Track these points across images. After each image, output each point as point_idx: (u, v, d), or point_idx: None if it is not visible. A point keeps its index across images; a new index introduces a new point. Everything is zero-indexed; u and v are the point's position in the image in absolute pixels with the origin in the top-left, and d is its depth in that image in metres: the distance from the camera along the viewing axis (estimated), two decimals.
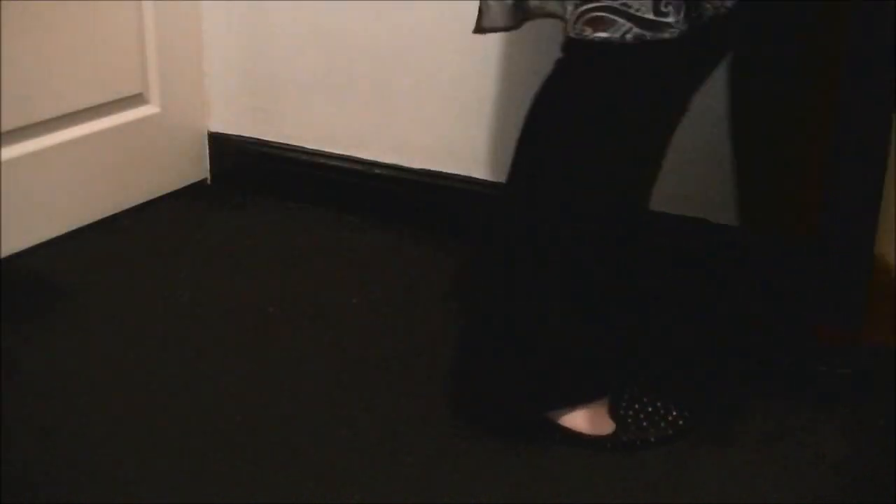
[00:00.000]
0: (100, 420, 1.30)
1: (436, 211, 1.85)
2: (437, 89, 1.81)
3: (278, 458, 1.23)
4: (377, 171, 1.90)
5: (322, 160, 1.94)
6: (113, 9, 1.79)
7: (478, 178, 1.82)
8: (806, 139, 1.52)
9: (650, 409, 1.29)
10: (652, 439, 1.27)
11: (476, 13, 1.26)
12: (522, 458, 1.25)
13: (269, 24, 1.91)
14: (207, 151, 2.04)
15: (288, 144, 1.97)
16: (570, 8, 1.11)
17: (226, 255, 1.76)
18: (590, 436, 1.25)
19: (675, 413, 1.29)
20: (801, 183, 1.54)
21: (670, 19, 1.07)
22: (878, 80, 1.31)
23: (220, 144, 2.03)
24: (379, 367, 1.43)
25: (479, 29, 1.26)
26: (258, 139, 2.00)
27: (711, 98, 1.61)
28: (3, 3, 1.60)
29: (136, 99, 1.88)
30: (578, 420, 1.26)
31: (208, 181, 2.05)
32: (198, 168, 2.03)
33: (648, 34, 1.08)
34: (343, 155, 1.93)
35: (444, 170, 1.85)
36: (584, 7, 1.09)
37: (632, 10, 1.07)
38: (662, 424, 1.28)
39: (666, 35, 1.07)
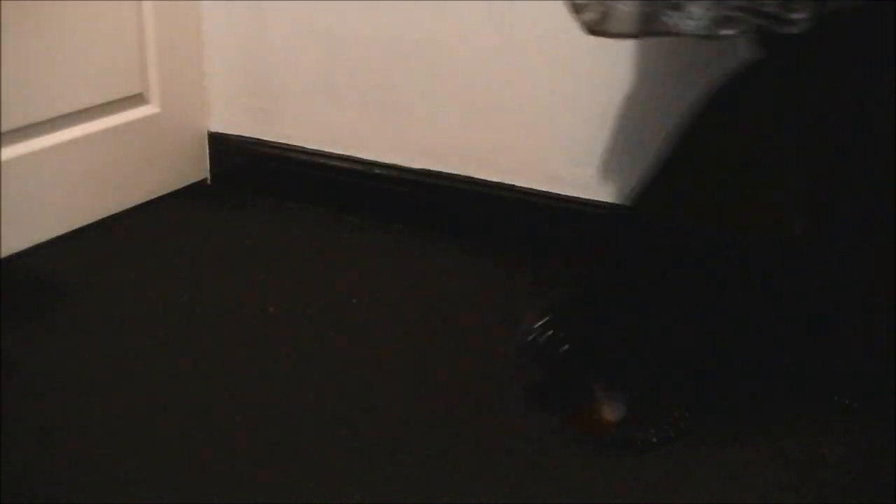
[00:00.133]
0: (100, 420, 1.30)
1: (436, 211, 1.86)
2: (438, 89, 1.81)
3: (278, 458, 1.23)
4: (377, 171, 1.90)
5: (322, 160, 1.94)
6: (113, 9, 1.79)
7: (478, 178, 1.82)
8: None
9: (652, 409, 1.29)
10: (654, 440, 1.27)
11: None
12: (522, 458, 1.25)
13: (269, 25, 1.91)
14: (207, 151, 2.04)
15: (288, 144, 1.97)
16: None
17: (226, 255, 1.76)
18: (601, 426, 1.24)
19: (676, 413, 1.29)
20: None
21: None
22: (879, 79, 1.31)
23: (220, 144, 2.03)
24: (379, 367, 1.43)
25: (602, 32, 1.18)
26: (258, 139, 2.00)
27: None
28: (2, 3, 1.60)
29: (136, 99, 1.88)
30: (606, 409, 1.25)
31: (208, 181, 2.05)
32: (198, 168, 2.03)
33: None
34: (343, 155, 1.93)
35: (444, 170, 1.85)
36: None
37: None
38: (664, 425, 1.28)
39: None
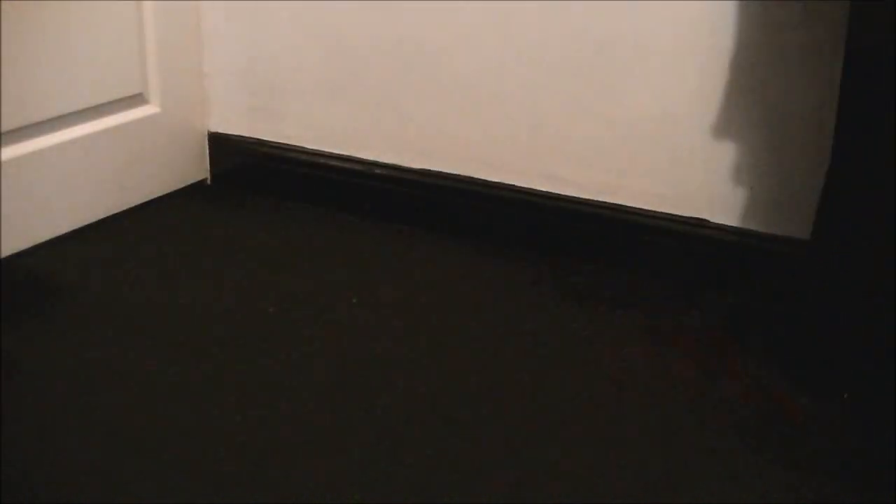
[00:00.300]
0: (100, 420, 1.30)
1: (436, 211, 1.86)
2: (438, 89, 1.81)
3: (278, 458, 1.23)
4: (377, 171, 1.90)
5: (322, 160, 1.94)
6: (113, 9, 1.79)
7: (478, 178, 1.82)
8: None
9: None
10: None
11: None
12: (522, 458, 1.25)
13: (269, 25, 1.91)
14: (207, 151, 2.04)
15: (288, 144, 1.97)
16: None
17: (226, 255, 1.76)
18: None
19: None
20: None
21: None
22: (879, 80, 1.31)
23: (220, 144, 2.03)
24: (379, 367, 1.43)
25: None
26: (258, 139, 2.00)
27: (709, 99, 1.61)
28: (2, 3, 1.60)
29: (136, 99, 1.88)
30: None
31: (208, 181, 2.05)
32: (198, 168, 2.03)
33: None
34: (343, 155, 1.93)
35: (444, 170, 1.85)
36: None
37: None
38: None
39: None
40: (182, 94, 1.96)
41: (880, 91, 1.31)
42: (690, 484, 1.21)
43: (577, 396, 1.37)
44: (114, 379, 1.39)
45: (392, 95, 1.85)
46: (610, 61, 1.65)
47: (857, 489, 1.22)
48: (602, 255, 1.74)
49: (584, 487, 1.20)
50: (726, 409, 1.35)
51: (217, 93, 2.00)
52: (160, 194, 1.96)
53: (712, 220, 1.66)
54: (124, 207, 1.89)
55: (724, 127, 1.61)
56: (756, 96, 1.58)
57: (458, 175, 1.84)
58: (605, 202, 1.73)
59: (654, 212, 1.70)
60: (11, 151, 1.67)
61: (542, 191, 1.77)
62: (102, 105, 1.82)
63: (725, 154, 1.62)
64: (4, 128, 1.65)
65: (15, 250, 1.70)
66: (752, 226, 1.64)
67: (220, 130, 2.03)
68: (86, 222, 1.82)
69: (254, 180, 2.01)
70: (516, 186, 1.79)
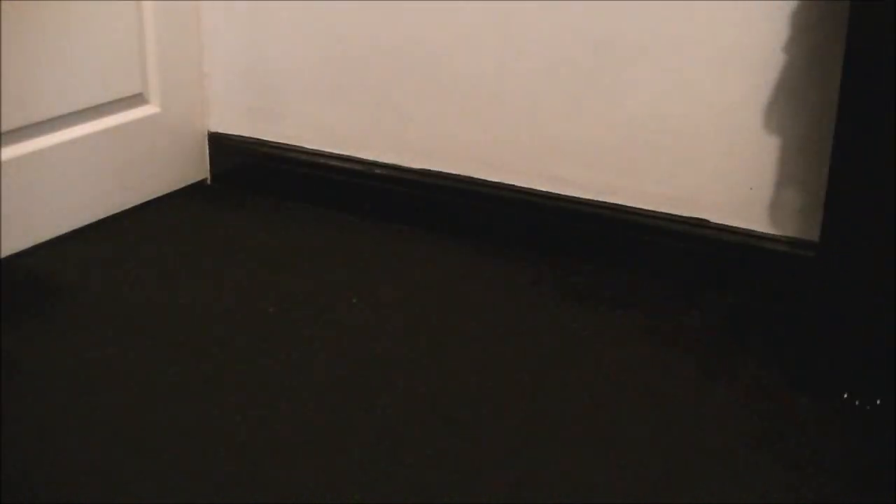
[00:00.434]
0: (100, 420, 1.30)
1: (436, 211, 1.86)
2: (438, 89, 1.81)
3: (278, 458, 1.23)
4: (377, 171, 1.90)
5: (322, 160, 1.94)
6: (113, 9, 1.79)
7: (478, 178, 1.82)
8: None
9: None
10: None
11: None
12: (522, 458, 1.25)
13: (269, 25, 1.91)
14: (207, 151, 2.04)
15: (288, 144, 1.97)
16: None
17: (226, 255, 1.76)
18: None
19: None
20: None
21: None
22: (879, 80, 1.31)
23: (220, 144, 2.03)
24: (379, 367, 1.43)
25: None
26: (258, 139, 2.00)
27: (709, 100, 1.61)
28: (2, 3, 1.60)
29: (136, 99, 1.88)
30: None
31: (208, 181, 2.05)
32: (198, 168, 2.03)
33: None
34: (343, 155, 1.93)
35: (444, 170, 1.85)
36: None
37: None
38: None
39: None
40: (182, 94, 1.96)
41: (880, 91, 1.31)
42: (690, 484, 1.21)
43: (577, 396, 1.37)
44: (114, 379, 1.39)
45: (392, 95, 1.85)
46: (610, 61, 1.65)
47: (857, 489, 1.22)
48: (602, 255, 1.74)
49: (584, 487, 1.20)
50: (726, 409, 1.35)
51: (217, 93, 2.00)
52: (160, 194, 1.96)
53: (712, 220, 1.66)
54: (124, 207, 1.89)
55: (724, 127, 1.61)
56: (757, 96, 1.58)
57: (458, 175, 1.84)
58: (606, 202, 1.73)
59: (654, 212, 1.70)
60: (11, 151, 1.67)
61: (542, 191, 1.77)
62: (102, 105, 1.82)
63: (726, 154, 1.62)
64: (4, 128, 1.65)
65: (15, 250, 1.70)
66: (752, 226, 1.64)
67: (220, 130, 2.03)
68: (86, 222, 1.82)
69: (254, 180, 2.01)
70: (516, 186, 1.79)
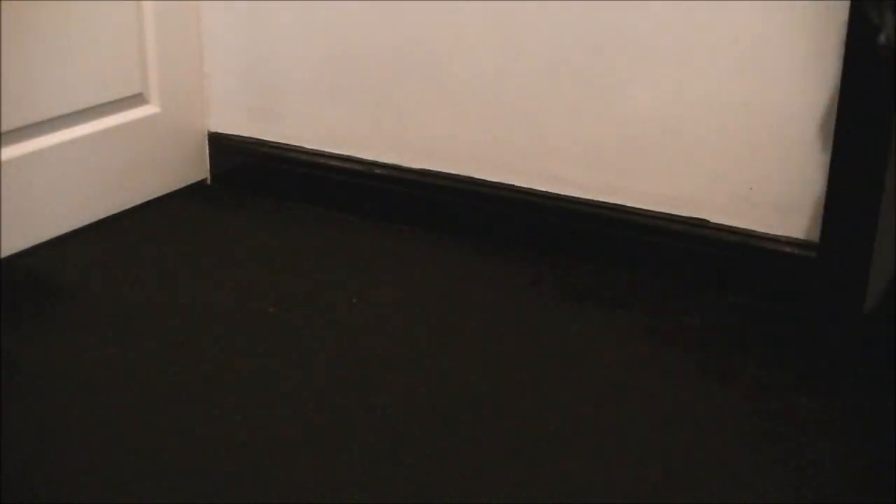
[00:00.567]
0: (100, 420, 1.30)
1: (436, 211, 1.86)
2: (438, 89, 1.81)
3: (278, 458, 1.23)
4: (377, 171, 1.90)
5: (322, 160, 1.94)
6: (113, 9, 1.79)
7: (478, 178, 1.82)
8: None
9: None
10: None
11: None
12: (522, 458, 1.25)
13: (269, 25, 1.91)
14: (207, 151, 2.04)
15: (288, 144, 1.97)
16: None
17: (226, 256, 1.76)
18: None
19: None
20: None
21: None
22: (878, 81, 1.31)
23: (220, 144, 2.03)
24: (379, 368, 1.43)
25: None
26: (258, 139, 2.00)
27: (709, 100, 1.61)
28: (2, 3, 1.60)
29: (136, 99, 1.88)
30: None
31: (208, 181, 2.05)
32: (198, 168, 2.03)
33: None
34: (343, 155, 1.93)
35: (444, 170, 1.85)
36: None
37: None
38: None
39: None
40: (182, 95, 1.96)
41: (880, 91, 1.31)
42: (690, 484, 1.21)
43: (577, 396, 1.37)
44: (114, 379, 1.39)
45: (392, 96, 1.85)
46: (610, 61, 1.65)
47: (857, 489, 1.22)
48: (602, 255, 1.74)
49: (584, 487, 1.20)
50: (726, 409, 1.35)
51: (217, 93, 2.00)
52: (160, 194, 1.96)
53: (712, 220, 1.66)
54: (124, 207, 1.89)
55: (725, 127, 1.61)
56: (756, 96, 1.58)
57: (458, 175, 1.84)
58: (606, 202, 1.73)
59: (654, 212, 1.70)
60: (11, 151, 1.67)
61: (542, 191, 1.77)
62: (102, 105, 1.82)
63: (725, 154, 1.62)
64: (4, 128, 1.65)
65: (15, 250, 1.70)
66: (752, 226, 1.64)
67: (220, 130, 2.03)
68: (86, 222, 1.82)
69: (254, 180, 2.01)
70: (516, 186, 1.79)
